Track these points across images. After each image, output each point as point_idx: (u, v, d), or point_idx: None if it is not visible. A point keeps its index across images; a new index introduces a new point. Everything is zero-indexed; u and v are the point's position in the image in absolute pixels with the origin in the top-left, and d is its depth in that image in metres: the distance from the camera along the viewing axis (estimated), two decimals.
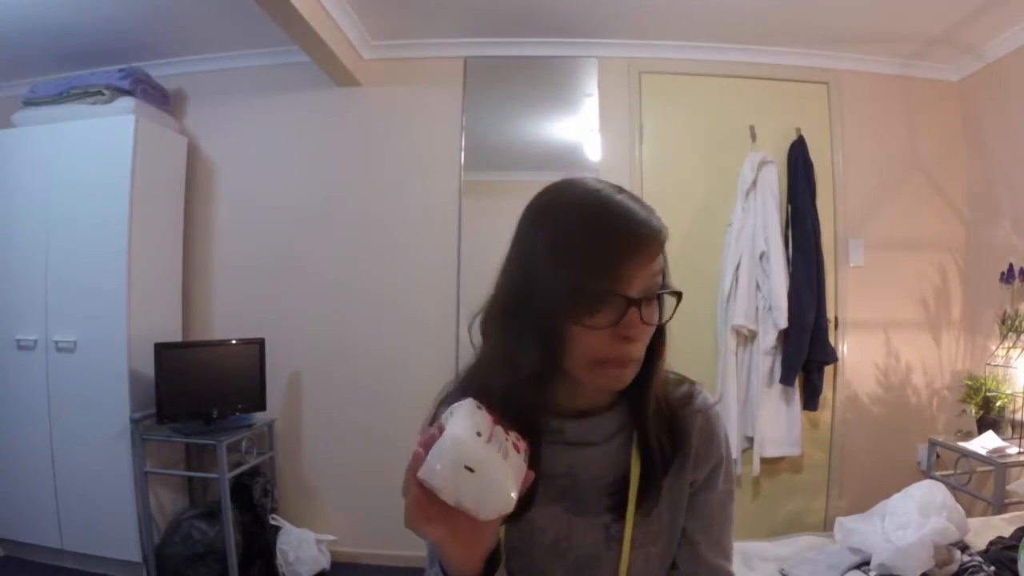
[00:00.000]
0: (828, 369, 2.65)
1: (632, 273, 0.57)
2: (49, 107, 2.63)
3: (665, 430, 0.66)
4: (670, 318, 0.63)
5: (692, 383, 0.72)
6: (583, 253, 0.57)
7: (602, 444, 0.67)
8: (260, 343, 2.65)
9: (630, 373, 0.61)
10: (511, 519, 0.60)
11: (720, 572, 0.69)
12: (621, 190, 0.61)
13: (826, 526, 2.62)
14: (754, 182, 2.60)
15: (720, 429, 0.71)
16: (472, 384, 0.64)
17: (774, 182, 2.62)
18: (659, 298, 0.61)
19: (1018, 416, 2.35)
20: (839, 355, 2.69)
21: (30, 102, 2.67)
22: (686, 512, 0.69)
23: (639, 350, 0.60)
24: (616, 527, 0.65)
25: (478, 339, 0.66)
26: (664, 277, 0.62)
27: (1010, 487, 2.14)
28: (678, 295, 0.62)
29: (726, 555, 0.70)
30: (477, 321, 0.66)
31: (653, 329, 0.61)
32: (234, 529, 2.41)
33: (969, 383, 2.49)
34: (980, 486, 2.41)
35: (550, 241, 0.59)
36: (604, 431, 0.68)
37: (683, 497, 0.69)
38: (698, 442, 0.69)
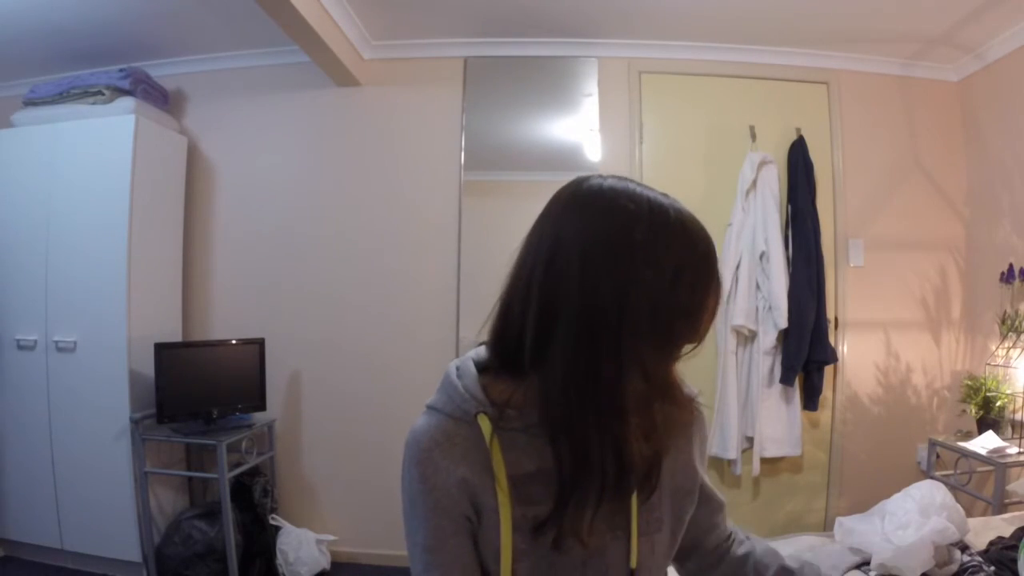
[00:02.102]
0: (828, 369, 2.66)
1: None
2: (49, 107, 2.63)
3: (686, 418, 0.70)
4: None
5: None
6: (709, 280, 0.61)
7: None
8: (260, 343, 2.65)
9: None
10: (534, 533, 0.61)
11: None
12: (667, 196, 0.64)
13: (826, 526, 2.62)
14: (754, 182, 2.60)
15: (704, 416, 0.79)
16: (544, 412, 0.61)
17: (774, 182, 2.62)
18: None
19: (1018, 416, 2.35)
20: (839, 355, 2.69)
21: (30, 102, 2.67)
22: (700, 491, 0.75)
23: None
24: (618, 516, 0.65)
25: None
26: None
27: (1010, 487, 2.14)
28: None
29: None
30: (528, 340, 0.60)
31: None
32: (234, 529, 2.41)
33: (969, 383, 2.49)
34: (980, 486, 2.42)
35: (679, 270, 0.58)
36: None
37: (686, 484, 0.72)
38: (698, 432, 0.75)
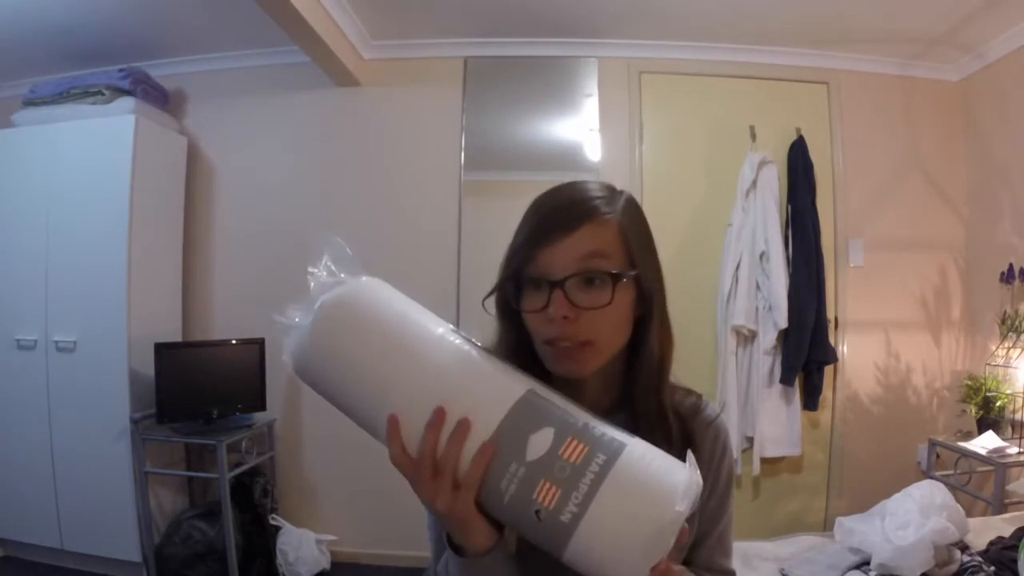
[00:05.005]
0: (828, 369, 2.65)
1: (547, 256, 0.61)
2: (49, 107, 2.63)
3: (668, 437, 0.66)
4: (611, 302, 0.62)
5: (698, 395, 0.74)
6: (514, 243, 0.64)
7: None
8: (260, 343, 2.65)
9: (588, 357, 0.62)
10: None
11: (724, 569, 0.72)
12: (581, 181, 0.67)
13: (826, 526, 2.62)
14: (754, 182, 2.60)
15: (729, 441, 0.73)
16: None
17: (774, 182, 2.62)
18: (615, 282, 0.61)
19: (1018, 416, 2.35)
20: (839, 355, 2.69)
21: (30, 102, 2.67)
22: (698, 514, 0.70)
23: (581, 331, 0.61)
24: None
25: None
26: (613, 260, 0.62)
27: (1010, 487, 2.14)
28: (614, 277, 0.61)
29: (728, 552, 0.73)
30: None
31: (601, 312, 0.61)
32: (234, 529, 2.41)
33: (969, 383, 2.49)
34: (980, 486, 2.41)
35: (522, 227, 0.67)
36: None
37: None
38: (710, 455, 0.70)
